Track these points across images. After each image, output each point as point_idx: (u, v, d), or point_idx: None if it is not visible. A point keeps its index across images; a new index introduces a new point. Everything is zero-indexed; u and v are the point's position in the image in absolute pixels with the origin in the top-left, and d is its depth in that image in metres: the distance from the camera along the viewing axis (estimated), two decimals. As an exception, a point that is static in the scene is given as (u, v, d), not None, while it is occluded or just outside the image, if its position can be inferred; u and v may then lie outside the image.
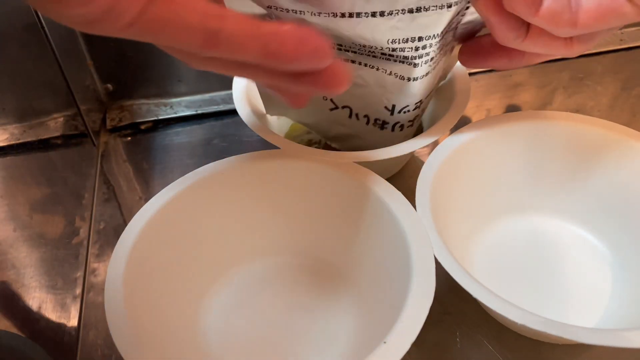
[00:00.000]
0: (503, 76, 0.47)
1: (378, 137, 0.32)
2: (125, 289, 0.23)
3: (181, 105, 0.45)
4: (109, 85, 0.44)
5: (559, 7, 0.20)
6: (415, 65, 0.26)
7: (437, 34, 0.25)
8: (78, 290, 0.31)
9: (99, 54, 0.42)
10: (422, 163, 0.28)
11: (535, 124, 0.30)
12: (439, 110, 0.34)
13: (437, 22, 0.24)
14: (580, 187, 0.31)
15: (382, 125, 0.31)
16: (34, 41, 0.36)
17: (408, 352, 0.20)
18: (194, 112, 0.44)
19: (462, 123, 0.30)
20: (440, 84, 0.35)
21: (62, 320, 0.30)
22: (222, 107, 0.44)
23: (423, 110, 0.32)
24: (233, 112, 0.42)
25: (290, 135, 0.38)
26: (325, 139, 0.36)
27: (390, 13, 0.23)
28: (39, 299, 0.30)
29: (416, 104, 0.29)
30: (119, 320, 0.22)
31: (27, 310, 0.30)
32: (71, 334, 0.29)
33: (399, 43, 0.25)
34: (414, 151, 0.31)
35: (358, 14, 0.23)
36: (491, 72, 0.47)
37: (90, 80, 0.43)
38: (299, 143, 0.30)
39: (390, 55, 0.26)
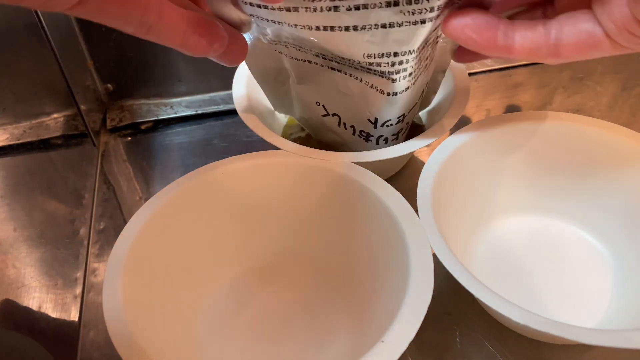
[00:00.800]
0: (503, 76, 0.47)
1: (364, 149, 0.32)
2: (124, 289, 0.23)
3: (181, 105, 0.45)
4: (109, 86, 0.44)
5: (534, 45, 0.21)
6: (393, 80, 0.26)
7: (413, 50, 0.25)
8: (78, 290, 0.31)
9: (99, 54, 0.42)
10: (422, 163, 0.28)
11: (535, 124, 0.30)
12: (439, 110, 0.34)
13: (412, 37, 0.24)
14: (580, 187, 0.31)
15: (367, 137, 0.31)
16: (34, 41, 0.36)
17: (408, 352, 0.20)
18: (194, 112, 0.44)
19: (462, 123, 0.30)
20: (432, 99, 0.35)
21: (63, 320, 0.30)
22: (222, 107, 0.44)
23: (408, 124, 0.32)
24: (233, 112, 0.42)
25: (287, 133, 0.38)
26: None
27: (364, 28, 0.23)
28: (39, 298, 0.30)
29: (398, 117, 0.30)
30: (118, 320, 0.22)
31: (27, 310, 0.30)
32: (71, 334, 0.29)
33: (374, 58, 0.25)
34: (413, 152, 0.31)
35: (332, 28, 0.24)
36: (491, 72, 0.47)
37: (90, 81, 0.43)
38: (296, 140, 0.30)
39: (368, 68, 0.26)
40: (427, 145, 0.30)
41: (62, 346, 0.29)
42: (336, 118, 0.32)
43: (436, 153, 0.28)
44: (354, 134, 0.32)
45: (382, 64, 0.25)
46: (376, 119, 0.30)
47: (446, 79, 0.35)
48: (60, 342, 0.29)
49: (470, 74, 0.47)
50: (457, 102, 0.32)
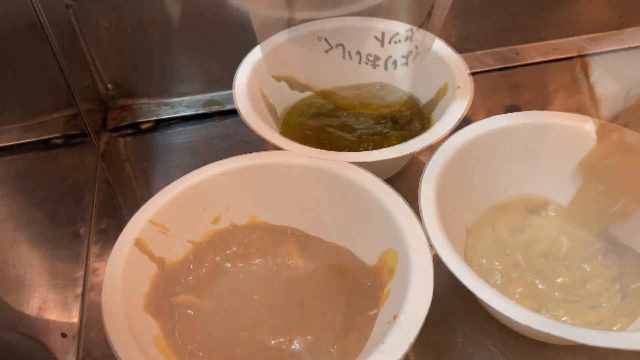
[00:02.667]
0: (503, 76, 0.47)
1: (372, 78, 0.31)
2: (123, 289, 0.23)
3: (182, 105, 0.45)
4: (110, 85, 0.44)
5: None
6: None
7: None
8: (79, 290, 0.31)
9: (100, 54, 0.42)
10: (423, 164, 0.28)
11: (536, 124, 0.30)
12: (439, 110, 0.34)
13: None
14: (581, 187, 0.31)
15: (374, 62, 0.30)
16: (34, 41, 0.36)
17: (409, 351, 0.20)
18: (194, 112, 0.44)
19: (462, 123, 0.30)
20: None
21: (63, 320, 0.30)
22: (222, 107, 0.44)
23: (418, 49, 0.30)
24: (233, 112, 0.42)
25: (285, 132, 0.38)
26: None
27: None
28: (39, 298, 0.30)
29: (407, 31, 0.29)
30: (117, 320, 0.22)
31: (28, 309, 0.30)
32: (72, 334, 0.29)
33: None
34: (413, 152, 0.31)
35: None
36: (491, 72, 0.47)
37: (91, 80, 0.43)
38: (295, 139, 0.30)
39: None
40: (427, 146, 0.30)
41: (63, 346, 0.29)
42: (340, 49, 0.31)
43: (437, 153, 0.28)
44: (359, 62, 0.31)
45: None
46: (383, 34, 0.29)
47: (446, 79, 0.35)
48: (61, 341, 0.29)
49: (470, 74, 0.47)
50: (458, 102, 0.32)
